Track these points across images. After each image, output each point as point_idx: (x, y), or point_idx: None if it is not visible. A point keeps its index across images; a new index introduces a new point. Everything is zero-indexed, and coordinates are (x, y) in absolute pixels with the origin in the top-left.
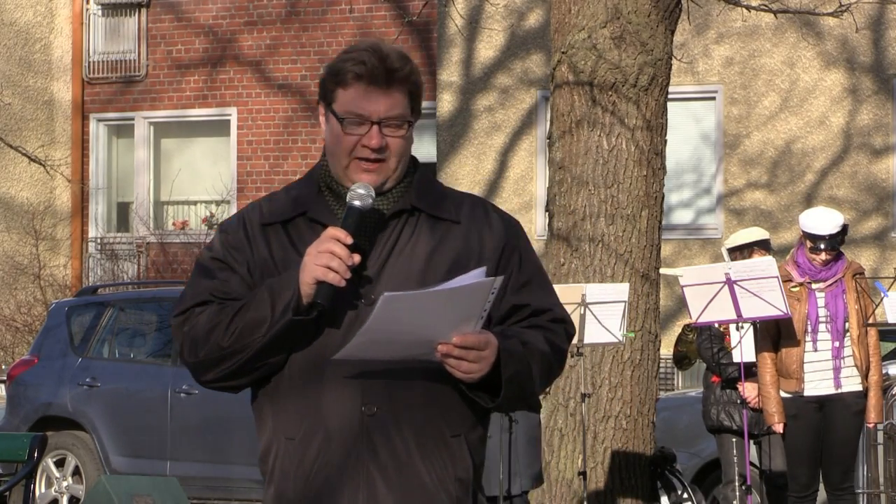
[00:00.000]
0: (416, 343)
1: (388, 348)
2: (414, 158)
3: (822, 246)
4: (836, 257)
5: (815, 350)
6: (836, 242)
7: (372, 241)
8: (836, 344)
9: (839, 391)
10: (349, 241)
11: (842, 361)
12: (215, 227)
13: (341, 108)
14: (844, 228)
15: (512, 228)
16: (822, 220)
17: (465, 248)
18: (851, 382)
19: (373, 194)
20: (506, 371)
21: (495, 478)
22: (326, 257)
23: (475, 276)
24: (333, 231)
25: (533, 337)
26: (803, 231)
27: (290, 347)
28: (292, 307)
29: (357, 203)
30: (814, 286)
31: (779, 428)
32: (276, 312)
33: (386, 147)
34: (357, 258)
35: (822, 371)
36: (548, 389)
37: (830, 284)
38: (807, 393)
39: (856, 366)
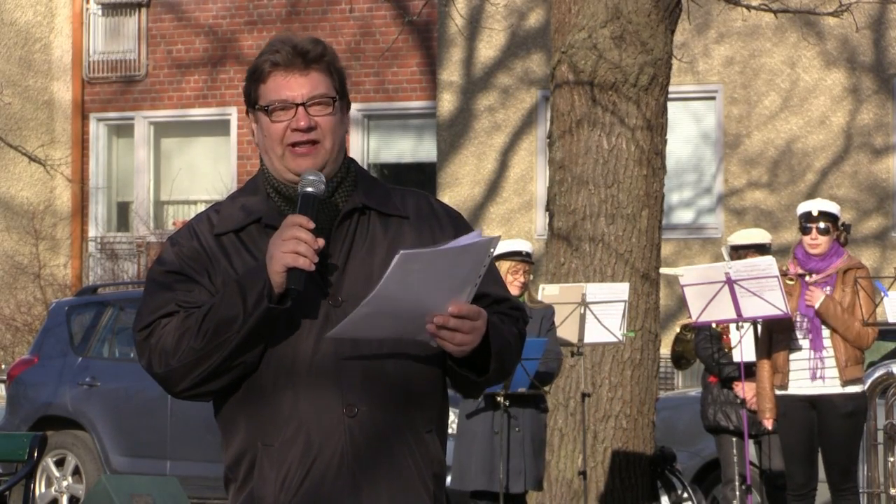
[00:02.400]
0: (410, 317)
1: (382, 323)
2: (347, 155)
3: (813, 220)
4: (835, 252)
5: (798, 345)
6: (825, 222)
7: (329, 238)
8: (811, 339)
9: (825, 390)
10: (311, 226)
11: (822, 361)
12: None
13: (265, 100)
14: (844, 226)
15: (458, 221)
16: (815, 201)
17: (419, 244)
18: (836, 382)
19: (324, 180)
20: (494, 344)
21: (496, 476)
22: (293, 243)
23: (474, 236)
24: (295, 218)
25: (503, 321)
26: (798, 216)
27: (265, 343)
28: (266, 296)
29: (310, 189)
30: (807, 279)
31: (768, 423)
32: (248, 306)
33: (316, 126)
34: (322, 242)
35: (802, 368)
36: (548, 388)
37: (822, 278)
38: (791, 390)
39: (837, 364)
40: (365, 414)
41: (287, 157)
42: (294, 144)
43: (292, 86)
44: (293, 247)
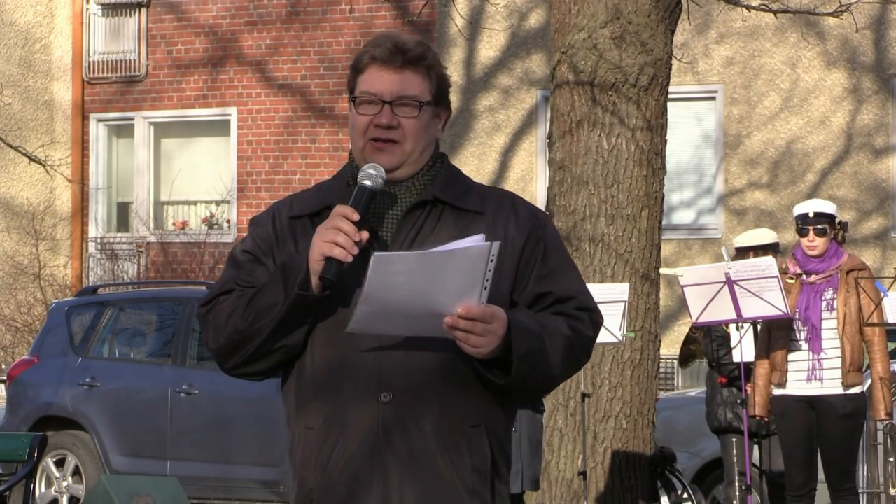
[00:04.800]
0: (421, 316)
1: (397, 320)
2: (442, 153)
3: (809, 222)
4: (834, 253)
5: (798, 345)
6: (822, 223)
7: (392, 230)
8: (810, 339)
9: (824, 391)
10: (355, 217)
11: (822, 362)
12: (215, 226)
13: (357, 91)
14: (842, 224)
15: (538, 220)
16: (811, 202)
17: (490, 239)
18: (836, 384)
19: (383, 174)
20: (517, 348)
21: None
22: (332, 233)
23: (472, 241)
24: (340, 208)
25: (553, 321)
26: (794, 218)
27: (306, 329)
28: (299, 283)
29: (367, 182)
30: (806, 279)
31: (757, 415)
32: (287, 292)
33: (398, 126)
34: (365, 235)
35: (801, 369)
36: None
37: (823, 279)
38: (790, 390)
39: (842, 367)
40: (399, 401)
41: (367, 150)
42: (375, 139)
43: (384, 81)
44: (332, 237)
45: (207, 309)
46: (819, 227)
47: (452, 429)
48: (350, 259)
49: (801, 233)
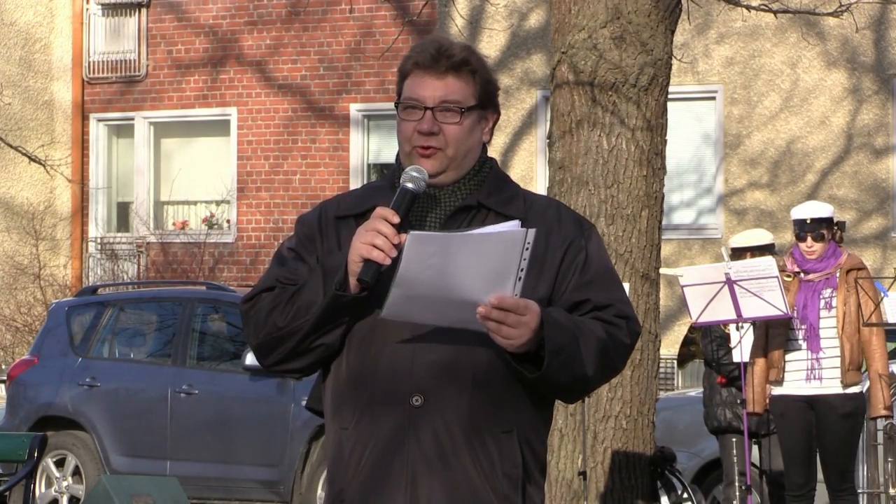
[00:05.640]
0: (455, 303)
1: (430, 308)
2: (490, 158)
3: (806, 229)
4: (833, 253)
5: (796, 344)
6: (819, 229)
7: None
8: (808, 338)
9: (823, 391)
10: (396, 220)
11: (820, 361)
12: (215, 226)
13: (402, 97)
14: (839, 224)
15: (581, 228)
16: (808, 206)
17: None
18: (834, 383)
19: (426, 177)
20: (551, 342)
21: None
22: (371, 235)
23: (508, 225)
24: (381, 210)
25: (590, 323)
26: (792, 222)
27: (343, 327)
28: (336, 283)
29: (409, 185)
30: (804, 277)
31: (753, 411)
32: (326, 291)
33: (439, 132)
34: (404, 238)
35: (799, 369)
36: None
37: (821, 277)
38: (789, 390)
39: (841, 366)
40: (430, 405)
41: (413, 156)
42: (418, 146)
43: (426, 87)
44: (371, 238)
45: (250, 305)
46: (816, 232)
47: (483, 433)
48: (388, 262)
49: (799, 238)
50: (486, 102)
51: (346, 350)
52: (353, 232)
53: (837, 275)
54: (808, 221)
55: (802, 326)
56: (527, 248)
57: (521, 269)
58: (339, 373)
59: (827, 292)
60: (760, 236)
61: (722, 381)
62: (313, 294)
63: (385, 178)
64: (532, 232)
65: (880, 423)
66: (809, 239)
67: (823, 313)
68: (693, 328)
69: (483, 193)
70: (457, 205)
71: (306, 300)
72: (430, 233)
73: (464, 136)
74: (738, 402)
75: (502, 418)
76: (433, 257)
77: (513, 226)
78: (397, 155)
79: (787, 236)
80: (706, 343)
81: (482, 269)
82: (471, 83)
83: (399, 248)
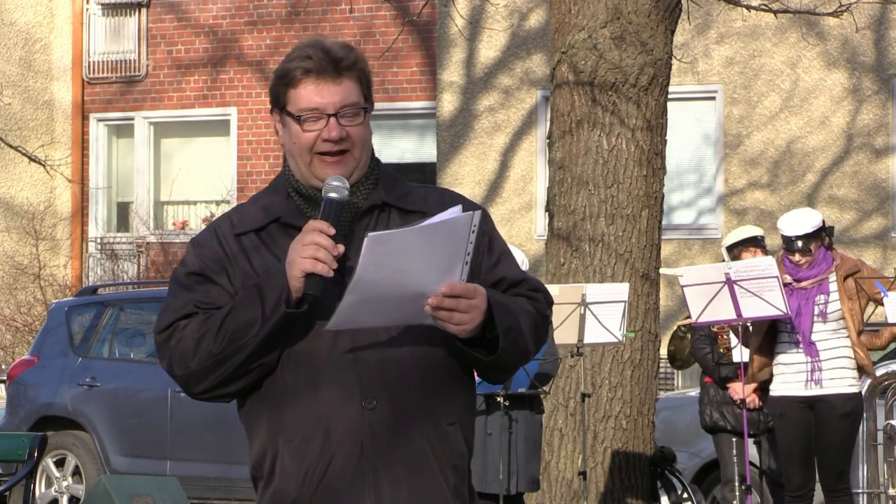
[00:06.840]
0: (405, 299)
1: (379, 309)
2: (374, 155)
3: (794, 247)
4: (823, 258)
5: (793, 349)
6: (808, 243)
7: (348, 236)
8: (804, 345)
9: (822, 392)
10: (331, 231)
11: (819, 365)
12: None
13: (295, 107)
14: (829, 229)
15: (479, 213)
16: (794, 221)
17: None
18: (837, 384)
19: (348, 186)
20: (500, 322)
21: (495, 477)
22: (312, 249)
23: (453, 212)
24: (315, 223)
25: (518, 299)
26: (781, 235)
27: (282, 345)
28: (284, 301)
29: (334, 195)
30: (796, 286)
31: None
32: (266, 310)
33: (347, 137)
34: (341, 248)
35: (799, 370)
36: (548, 388)
37: (814, 284)
38: (787, 391)
39: (846, 367)
40: (384, 406)
41: (315, 165)
42: (324, 153)
43: (324, 94)
44: (312, 252)
45: (168, 335)
46: (804, 247)
47: (436, 429)
48: (332, 274)
49: (788, 251)
50: (371, 98)
51: (282, 365)
52: (257, 246)
53: (830, 280)
54: (794, 239)
55: (796, 333)
56: (473, 232)
57: (468, 254)
58: (272, 388)
59: (821, 299)
60: (749, 230)
61: (709, 381)
62: (250, 314)
63: (276, 189)
64: (478, 214)
65: (880, 423)
66: (797, 255)
67: (817, 319)
68: (681, 327)
69: (382, 192)
70: (363, 206)
71: (243, 321)
72: (385, 232)
73: (367, 135)
74: (725, 401)
75: (447, 411)
76: (388, 255)
77: (456, 211)
78: (285, 165)
79: None
80: (694, 341)
81: (434, 260)
82: (359, 82)
83: (338, 257)
